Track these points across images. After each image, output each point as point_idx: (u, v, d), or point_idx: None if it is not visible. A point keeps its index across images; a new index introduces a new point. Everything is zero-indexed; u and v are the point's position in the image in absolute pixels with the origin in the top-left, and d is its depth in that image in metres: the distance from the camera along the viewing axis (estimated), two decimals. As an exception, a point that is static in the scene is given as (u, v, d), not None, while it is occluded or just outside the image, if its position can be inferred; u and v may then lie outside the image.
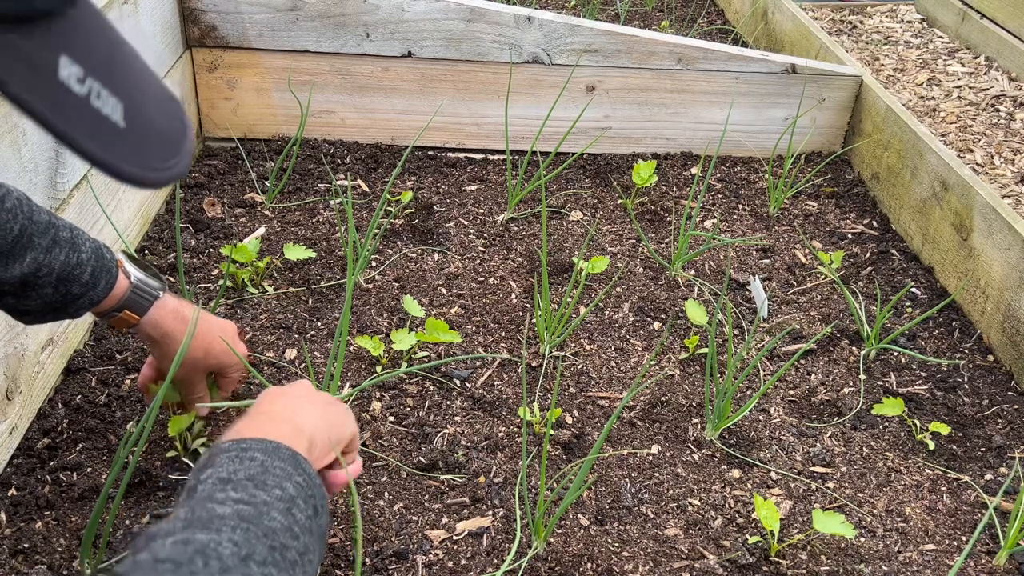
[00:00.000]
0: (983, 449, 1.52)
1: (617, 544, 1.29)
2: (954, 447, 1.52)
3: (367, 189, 2.12)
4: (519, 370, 1.59)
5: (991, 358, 1.71)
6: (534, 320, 1.71)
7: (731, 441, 1.49)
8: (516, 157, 2.29)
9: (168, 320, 1.24)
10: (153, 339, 1.25)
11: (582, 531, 1.30)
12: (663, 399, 1.56)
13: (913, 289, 1.90)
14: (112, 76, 0.62)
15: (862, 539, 1.33)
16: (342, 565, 1.22)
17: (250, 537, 0.71)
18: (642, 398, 1.56)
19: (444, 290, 1.79)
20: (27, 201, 1.11)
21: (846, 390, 1.62)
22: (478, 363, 1.60)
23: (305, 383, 1.04)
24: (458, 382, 1.56)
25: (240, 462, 0.79)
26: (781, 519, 1.33)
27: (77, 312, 1.17)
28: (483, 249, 1.93)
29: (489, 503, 1.33)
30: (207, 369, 1.32)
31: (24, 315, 1.15)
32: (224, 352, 1.31)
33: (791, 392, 1.61)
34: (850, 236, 2.08)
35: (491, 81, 2.22)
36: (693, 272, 1.91)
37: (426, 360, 1.60)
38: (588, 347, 1.67)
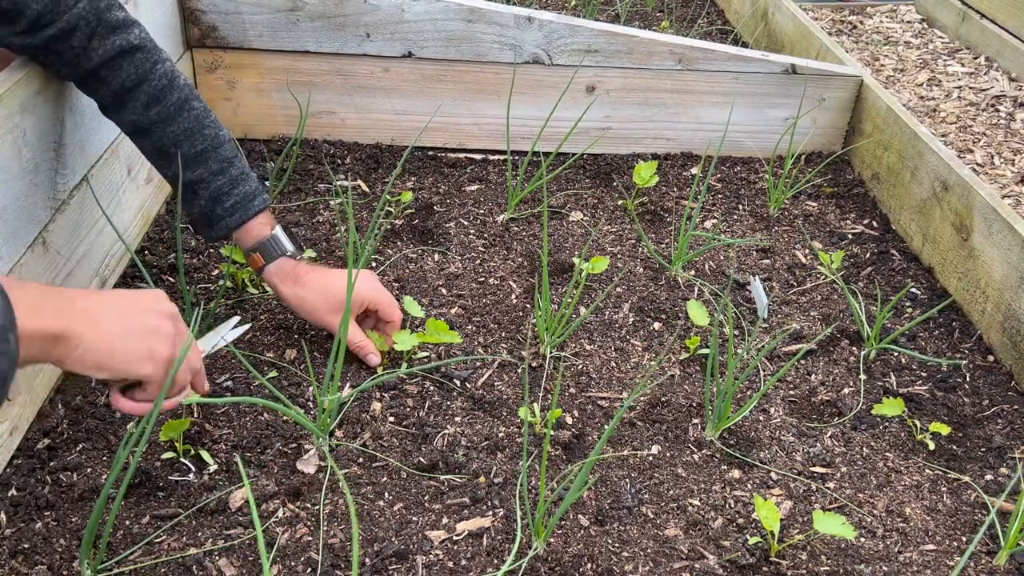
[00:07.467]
0: (983, 449, 1.52)
1: (617, 544, 1.29)
2: (954, 447, 1.52)
3: (367, 189, 2.12)
4: (519, 370, 1.59)
5: (991, 358, 1.71)
6: (534, 320, 1.71)
7: (731, 441, 1.49)
8: (516, 157, 2.29)
9: (273, 275, 1.50)
10: (272, 286, 1.53)
11: (582, 531, 1.30)
12: (663, 399, 1.56)
13: (913, 289, 1.90)
14: None
15: (862, 539, 1.33)
16: (342, 565, 1.22)
17: None
18: (642, 398, 1.56)
19: (444, 290, 1.79)
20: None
21: (846, 390, 1.62)
22: (478, 363, 1.60)
23: (152, 294, 1.17)
24: (458, 382, 1.56)
25: None
26: (781, 519, 1.33)
27: (217, 231, 1.50)
28: (483, 249, 1.93)
29: (489, 503, 1.33)
30: (360, 307, 1.52)
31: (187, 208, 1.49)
32: (374, 291, 1.53)
33: (791, 392, 1.61)
34: (850, 236, 2.08)
35: (491, 81, 2.22)
36: (693, 272, 1.91)
37: (426, 360, 1.60)
38: (588, 347, 1.67)
